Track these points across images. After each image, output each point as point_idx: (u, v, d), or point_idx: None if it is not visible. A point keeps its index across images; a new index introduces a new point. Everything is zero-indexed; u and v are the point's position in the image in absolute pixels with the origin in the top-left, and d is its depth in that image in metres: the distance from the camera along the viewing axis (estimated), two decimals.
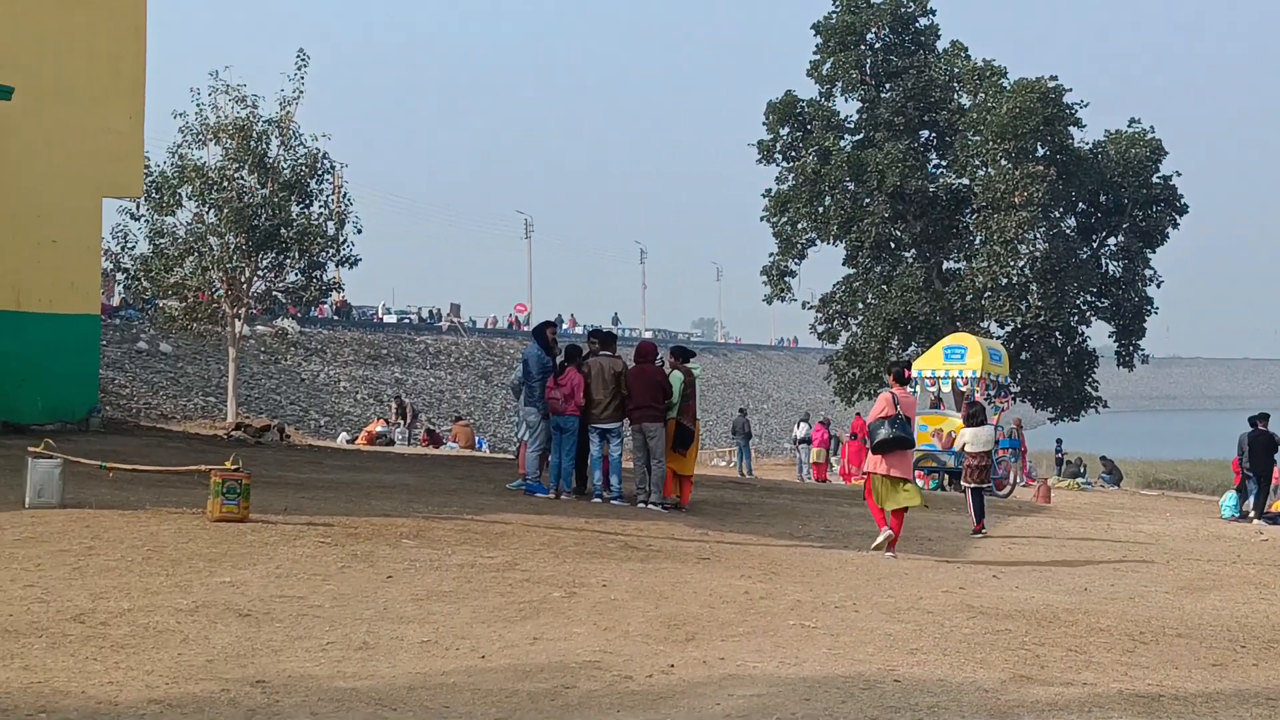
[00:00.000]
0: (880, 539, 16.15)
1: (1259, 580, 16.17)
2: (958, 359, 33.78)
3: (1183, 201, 53.83)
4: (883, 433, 16.25)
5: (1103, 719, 8.22)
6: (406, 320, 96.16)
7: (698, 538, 16.00)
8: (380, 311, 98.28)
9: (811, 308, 56.02)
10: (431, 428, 49.01)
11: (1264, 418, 30.05)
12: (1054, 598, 13.37)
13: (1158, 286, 54.75)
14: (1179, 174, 53.89)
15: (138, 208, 38.60)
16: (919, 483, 31.87)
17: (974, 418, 20.99)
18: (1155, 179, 53.24)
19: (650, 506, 18.54)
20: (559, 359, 19.17)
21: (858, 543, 16.91)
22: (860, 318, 53.97)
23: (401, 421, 44.14)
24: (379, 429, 43.03)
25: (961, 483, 21.11)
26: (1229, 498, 32.05)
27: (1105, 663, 10.07)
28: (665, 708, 8.00)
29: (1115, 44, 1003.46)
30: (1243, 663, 10.53)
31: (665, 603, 11.40)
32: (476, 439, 47.02)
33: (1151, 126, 53.67)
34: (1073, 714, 8.31)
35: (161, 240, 38.94)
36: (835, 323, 55.28)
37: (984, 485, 20.42)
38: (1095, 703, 8.65)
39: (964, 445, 20.58)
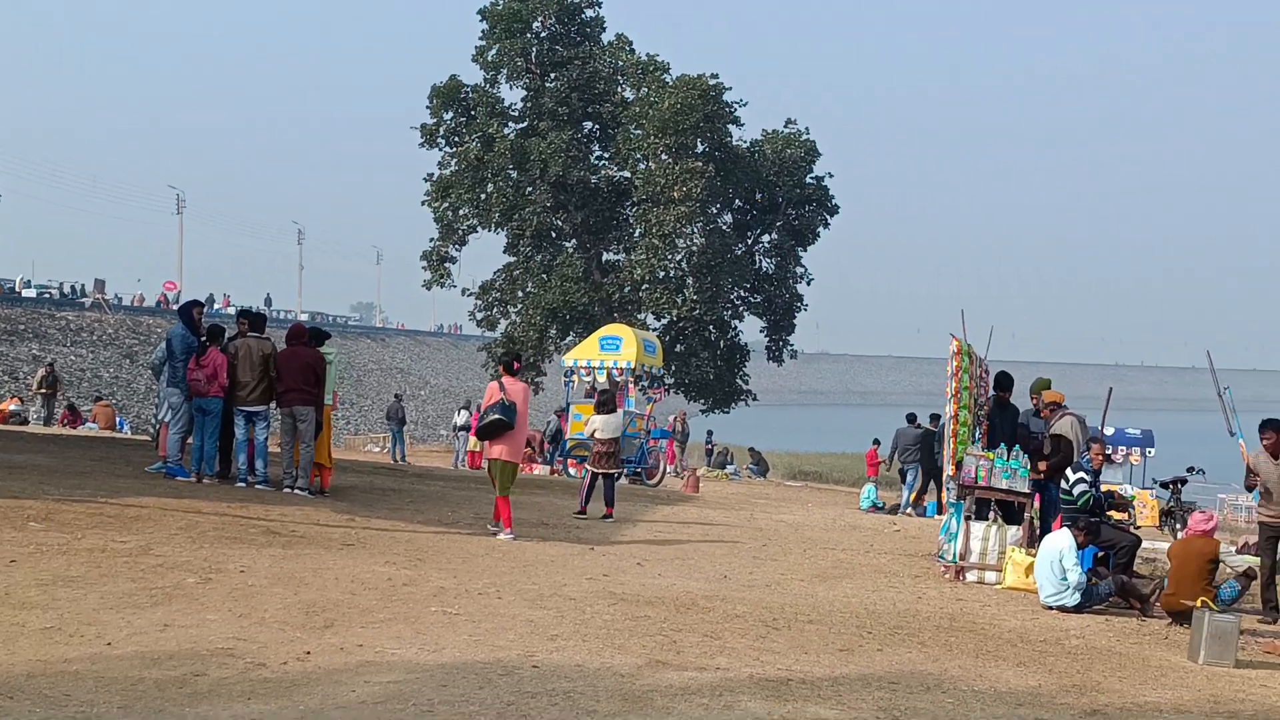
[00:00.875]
0: (502, 535, 16.31)
1: (889, 569, 16.80)
2: (613, 350, 34.07)
3: (834, 202, 55.33)
4: (489, 418, 16.51)
5: (732, 703, 8.39)
6: (47, 295, 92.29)
7: (344, 523, 15.77)
8: (19, 285, 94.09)
9: (471, 295, 55.88)
10: (73, 403, 47.10)
11: (935, 418, 31.16)
12: (694, 585, 13.62)
13: (808, 284, 56.24)
14: (831, 175, 55.50)
15: None
16: (570, 471, 32.30)
17: (604, 405, 21.22)
18: (808, 179, 54.58)
19: (297, 491, 18.17)
20: (203, 339, 18.60)
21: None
22: (520, 306, 54.01)
23: (44, 393, 42.11)
24: (12, 408, 41.08)
25: (587, 466, 21.30)
26: (868, 490, 33.22)
27: (739, 648, 10.29)
28: (298, 695, 7.85)
29: (774, 46, 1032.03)
30: (868, 648, 10.90)
31: (305, 589, 11.19)
32: (118, 420, 45.38)
33: (806, 128, 55.17)
34: (704, 698, 8.45)
35: None
36: (494, 310, 55.23)
37: (612, 472, 20.60)
38: (726, 687, 8.83)
39: (594, 431, 20.80)
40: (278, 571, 11.87)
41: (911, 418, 31.99)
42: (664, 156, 50.14)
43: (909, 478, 31.48)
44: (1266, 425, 15.67)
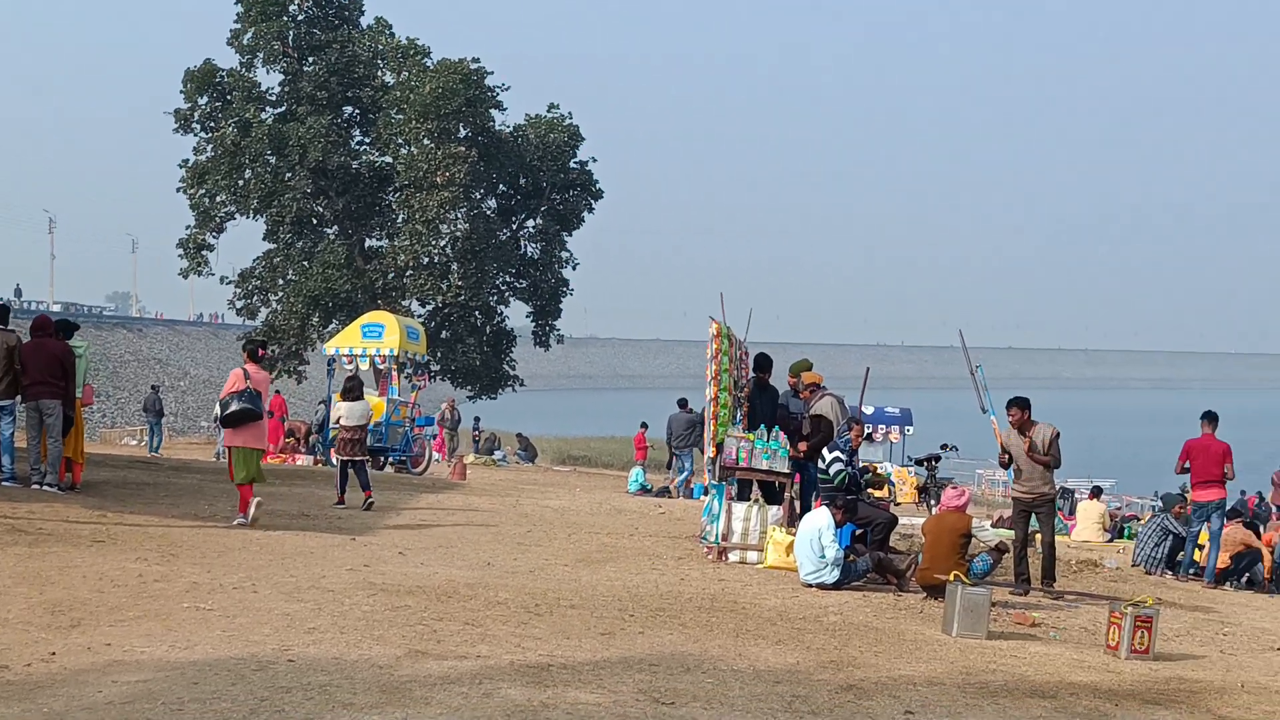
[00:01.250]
0: (253, 512, 16.10)
1: (653, 552, 16.89)
2: (375, 337, 33.67)
3: (598, 187, 55.61)
4: (233, 406, 16.25)
5: (492, 690, 8.35)
6: None
7: (95, 520, 15.32)
8: None
9: (230, 283, 54.79)
10: None
11: None
12: (456, 573, 13.54)
13: (574, 268, 56.44)
14: (594, 160, 55.72)
15: None
16: (334, 461, 31.91)
17: (349, 392, 21.09)
18: (572, 164, 54.71)
19: (45, 488, 17.56)
20: None
21: (265, 522, 16.57)
22: (281, 294, 53.10)
23: None
24: None
25: (334, 456, 21.10)
26: (636, 473, 33.47)
27: (500, 635, 10.26)
28: (42, 697, 7.63)
29: (537, 30, 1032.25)
30: (630, 631, 10.95)
31: (51, 588, 10.86)
32: None
33: (569, 112, 55.29)
34: (464, 687, 8.41)
35: None
36: (255, 298, 54.17)
37: (357, 459, 20.37)
38: (487, 675, 8.79)
39: (339, 419, 20.65)
40: (22, 570, 11.48)
41: (683, 403, 32.24)
42: (426, 141, 49.75)
43: (684, 462, 31.79)
44: (1011, 403, 16.15)
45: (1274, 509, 30.33)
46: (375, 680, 8.46)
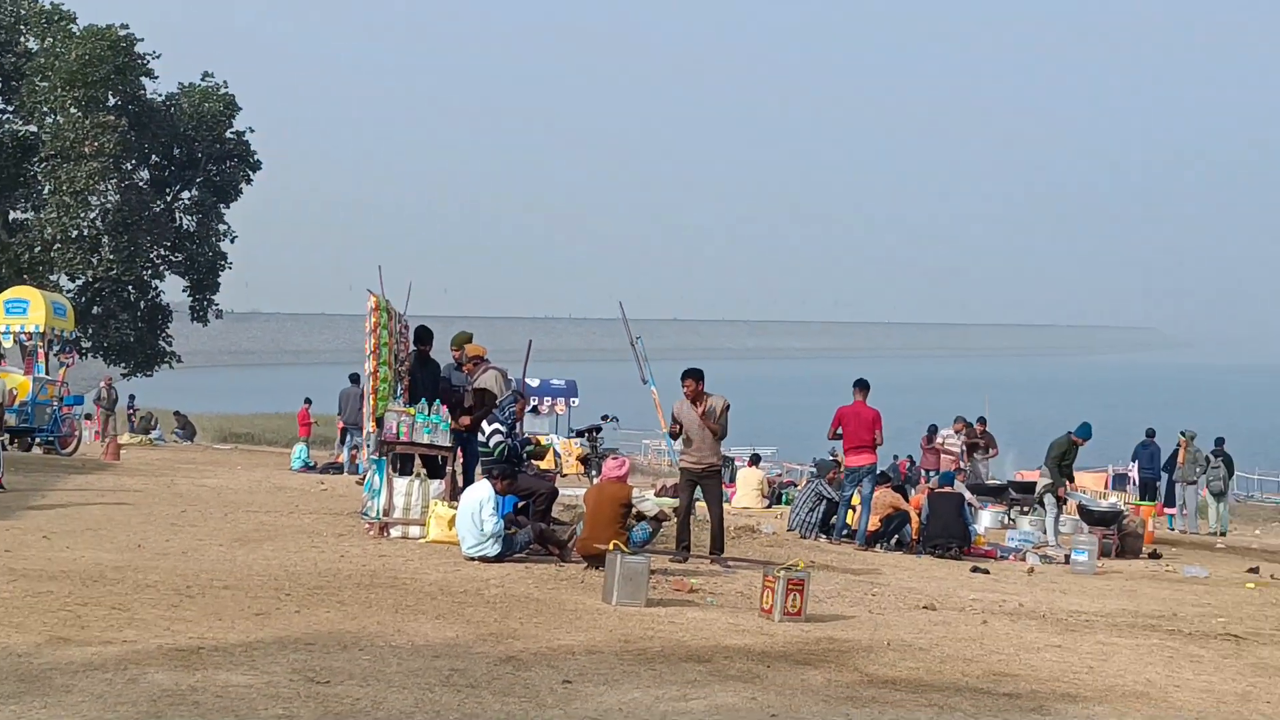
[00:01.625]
0: None
1: (313, 529, 16.61)
2: (20, 313, 32.24)
3: (256, 158, 54.43)
4: None
5: (138, 676, 8.08)
6: None
7: None
8: None
9: None
10: None
11: None
12: (105, 556, 13.07)
13: (232, 241, 55.11)
14: (252, 130, 54.52)
15: None
16: None
17: None
18: (229, 134, 53.41)
19: None
20: None
21: None
22: None
23: None
24: None
25: None
26: (299, 450, 32.96)
27: (148, 619, 9.93)
28: None
29: None
30: (286, 610, 10.73)
31: None
32: None
33: (225, 81, 53.92)
34: (108, 673, 8.12)
35: None
36: None
37: None
38: (133, 660, 8.50)
39: None
40: None
41: (355, 378, 31.78)
42: (73, 110, 47.89)
43: (358, 438, 31.37)
44: (686, 374, 16.40)
45: (923, 473, 31.63)
46: (13, 669, 8.09)
